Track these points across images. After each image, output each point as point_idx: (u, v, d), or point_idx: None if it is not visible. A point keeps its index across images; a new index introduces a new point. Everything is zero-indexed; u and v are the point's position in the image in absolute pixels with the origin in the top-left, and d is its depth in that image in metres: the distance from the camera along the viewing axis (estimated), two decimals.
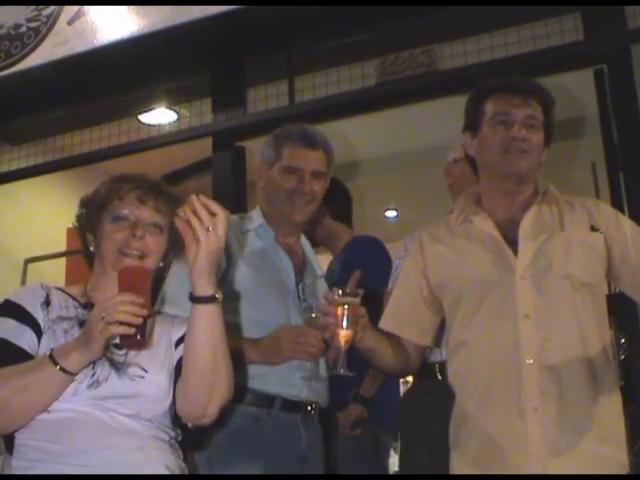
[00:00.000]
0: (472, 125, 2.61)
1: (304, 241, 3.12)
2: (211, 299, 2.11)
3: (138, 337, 2.02)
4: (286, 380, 2.77)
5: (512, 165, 2.49)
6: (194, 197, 2.04)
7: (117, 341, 2.08)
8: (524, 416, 2.31)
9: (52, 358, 2.07)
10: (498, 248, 2.48)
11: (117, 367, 2.16)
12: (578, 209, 2.54)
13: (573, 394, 2.32)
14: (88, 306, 2.29)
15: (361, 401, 3.74)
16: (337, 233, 4.07)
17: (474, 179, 2.73)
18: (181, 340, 2.31)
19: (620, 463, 2.35)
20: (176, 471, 2.20)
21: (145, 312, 2.02)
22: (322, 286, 3.04)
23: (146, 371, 2.20)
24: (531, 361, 2.34)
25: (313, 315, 2.71)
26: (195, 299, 2.11)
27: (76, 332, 2.18)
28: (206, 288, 2.10)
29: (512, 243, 2.47)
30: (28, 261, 6.06)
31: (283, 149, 2.98)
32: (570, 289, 2.40)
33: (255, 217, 3.00)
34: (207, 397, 2.18)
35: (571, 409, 2.31)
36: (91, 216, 2.37)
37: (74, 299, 2.32)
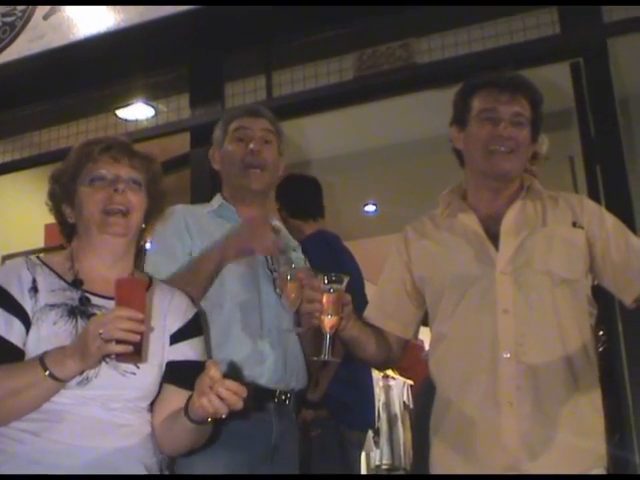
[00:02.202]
0: (459, 119, 2.62)
1: (273, 218, 3.11)
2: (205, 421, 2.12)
3: (135, 354, 2.01)
4: (258, 356, 2.76)
5: (496, 166, 2.50)
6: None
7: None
8: (499, 410, 2.33)
9: (43, 363, 2.04)
10: (480, 243, 2.50)
11: (108, 360, 2.12)
12: (562, 205, 2.55)
13: (549, 389, 2.34)
14: (77, 284, 2.26)
15: (310, 405, 3.75)
16: (301, 230, 4.10)
17: None
18: (177, 336, 2.33)
19: (597, 456, 2.37)
20: (154, 466, 2.21)
21: (143, 328, 2.01)
22: (298, 259, 3.04)
23: (138, 367, 2.18)
24: (508, 355, 2.36)
25: (293, 265, 2.69)
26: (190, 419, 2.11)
27: (64, 323, 2.15)
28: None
29: (495, 238, 2.49)
30: (5, 258, 6.01)
31: (229, 125, 3.03)
32: (550, 285, 2.42)
33: (215, 200, 3.02)
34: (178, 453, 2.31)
35: (546, 404, 2.33)
36: (66, 187, 2.34)
37: (60, 277, 2.27)
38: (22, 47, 5.17)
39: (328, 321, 2.36)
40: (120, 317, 1.98)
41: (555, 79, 4.44)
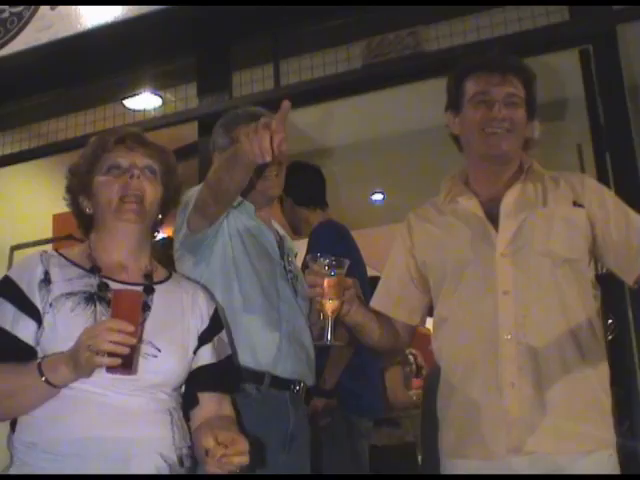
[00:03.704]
0: (454, 104, 2.63)
1: (274, 222, 3.13)
2: None
3: (125, 367, 1.98)
4: (275, 347, 2.78)
5: (493, 147, 2.51)
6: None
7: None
8: (502, 391, 2.34)
9: (40, 368, 2.04)
10: (481, 226, 2.51)
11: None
12: (562, 185, 2.55)
13: (551, 370, 2.34)
14: (95, 270, 2.26)
15: (323, 393, 3.76)
16: (308, 219, 4.09)
17: None
18: (204, 338, 2.35)
19: (601, 437, 2.36)
20: (172, 456, 2.17)
21: (134, 341, 1.98)
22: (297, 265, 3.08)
23: (159, 350, 2.19)
24: (509, 337, 2.37)
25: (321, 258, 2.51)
26: None
27: (82, 309, 2.15)
28: None
29: (496, 221, 2.50)
30: (14, 248, 6.03)
31: (234, 133, 2.96)
32: (551, 265, 2.42)
33: None
34: None
35: (548, 385, 2.33)
36: (83, 179, 2.35)
37: (78, 266, 2.27)
38: (30, 37, 5.18)
39: (329, 305, 2.37)
40: (110, 329, 1.95)
41: (564, 66, 4.43)
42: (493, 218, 2.50)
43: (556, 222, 2.46)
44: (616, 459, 2.36)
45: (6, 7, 5.34)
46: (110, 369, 1.98)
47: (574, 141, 4.94)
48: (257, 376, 2.75)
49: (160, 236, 2.65)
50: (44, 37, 5.11)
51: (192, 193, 2.72)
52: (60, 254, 2.31)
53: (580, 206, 2.48)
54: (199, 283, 2.60)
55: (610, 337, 3.87)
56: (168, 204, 2.44)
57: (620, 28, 4.15)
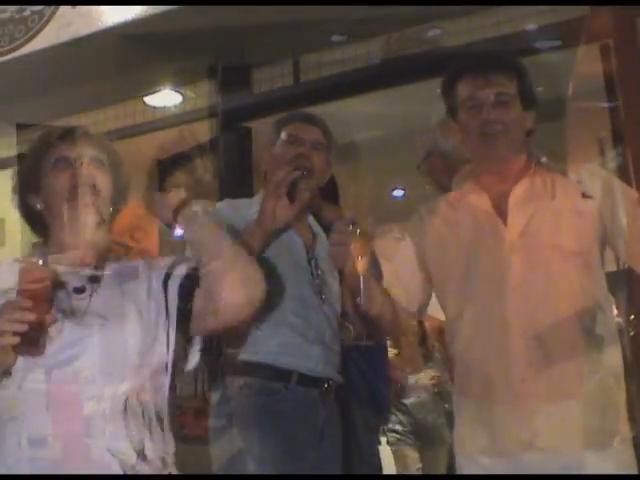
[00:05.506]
0: (451, 110, 2.65)
1: (310, 218, 3.12)
2: None
3: (29, 345, 1.90)
4: (303, 352, 2.80)
5: (489, 150, 2.52)
6: None
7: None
8: (512, 388, 2.35)
9: None
10: (490, 221, 2.52)
11: (74, 316, 2.06)
12: (571, 177, 2.54)
13: (561, 365, 2.34)
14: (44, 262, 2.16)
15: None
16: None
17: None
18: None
19: (613, 434, 2.34)
20: (126, 451, 2.05)
21: (31, 317, 1.87)
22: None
23: (105, 319, 2.10)
24: (519, 332, 2.37)
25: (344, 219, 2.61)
26: None
27: None
28: None
29: (505, 216, 2.50)
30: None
31: (283, 128, 3.04)
32: (561, 259, 2.42)
33: (258, 200, 2.94)
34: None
35: (559, 381, 2.33)
36: (30, 176, 2.31)
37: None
38: (51, 35, 5.18)
39: (359, 263, 2.40)
40: (6, 306, 1.90)
41: (584, 61, 4.41)
42: (502, 213, 2.50)
43: (565, 215, 2.45)
44: (632, 452, 2.36)
45: (27, 6, 5.35)
46: (15, 348, 1.89)
47: (596, 135, 4.93)
48: (285, 374, 2.77)
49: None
50: (65, 35, 5.12)
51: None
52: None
53: (589, 197, 2.47)
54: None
55: (632, 333, 3.85)
56: (117, 198, 2.35)
57: None
